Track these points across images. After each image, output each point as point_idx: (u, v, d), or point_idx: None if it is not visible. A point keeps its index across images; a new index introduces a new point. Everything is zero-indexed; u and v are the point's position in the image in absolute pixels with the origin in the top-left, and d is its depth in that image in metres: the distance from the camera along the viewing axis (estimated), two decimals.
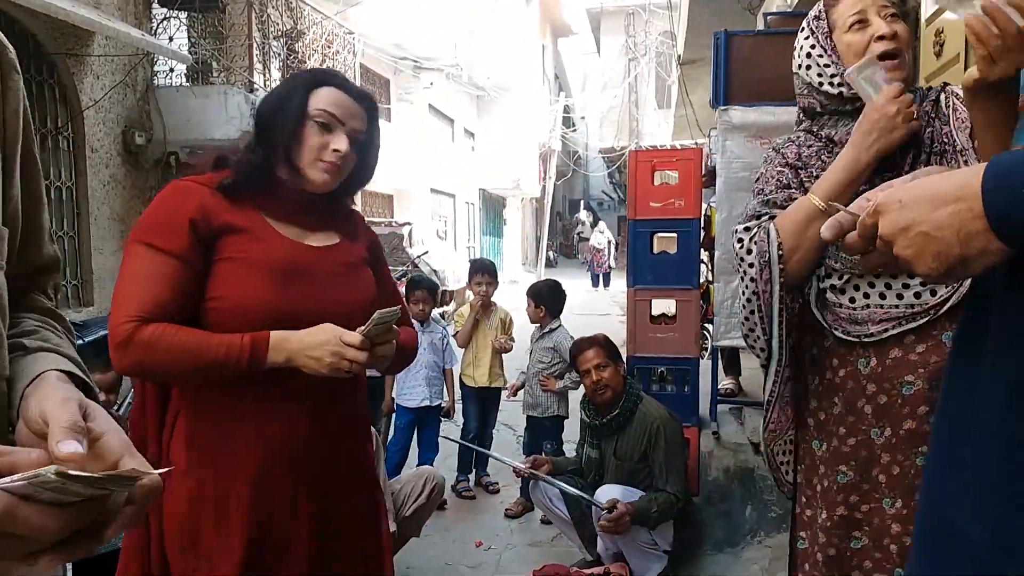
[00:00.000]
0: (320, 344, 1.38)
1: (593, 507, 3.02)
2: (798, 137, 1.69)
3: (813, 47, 1.63)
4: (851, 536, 1.56)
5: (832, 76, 1.59)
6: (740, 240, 1.62)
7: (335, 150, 1.48)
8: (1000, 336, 0.79)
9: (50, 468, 0.56)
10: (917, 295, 1.48)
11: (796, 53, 1.68)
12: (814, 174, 1.60)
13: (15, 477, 0.57)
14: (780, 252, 1.53)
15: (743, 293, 1.62)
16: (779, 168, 1.66)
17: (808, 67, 1.64)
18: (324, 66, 9.19)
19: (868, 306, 1.53)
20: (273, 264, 1.43)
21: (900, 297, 1.50)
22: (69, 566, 2.08)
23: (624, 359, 3.53)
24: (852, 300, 1.55)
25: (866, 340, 1.52)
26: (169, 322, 1.36)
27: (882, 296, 1.52)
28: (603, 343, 3.30)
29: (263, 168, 1.49)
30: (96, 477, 0.58)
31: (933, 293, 1.46)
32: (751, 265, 1.58)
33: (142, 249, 1.39)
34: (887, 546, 1.50)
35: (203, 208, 1.42)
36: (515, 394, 4.30)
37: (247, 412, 1.44)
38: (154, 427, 1.49)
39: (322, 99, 1.49)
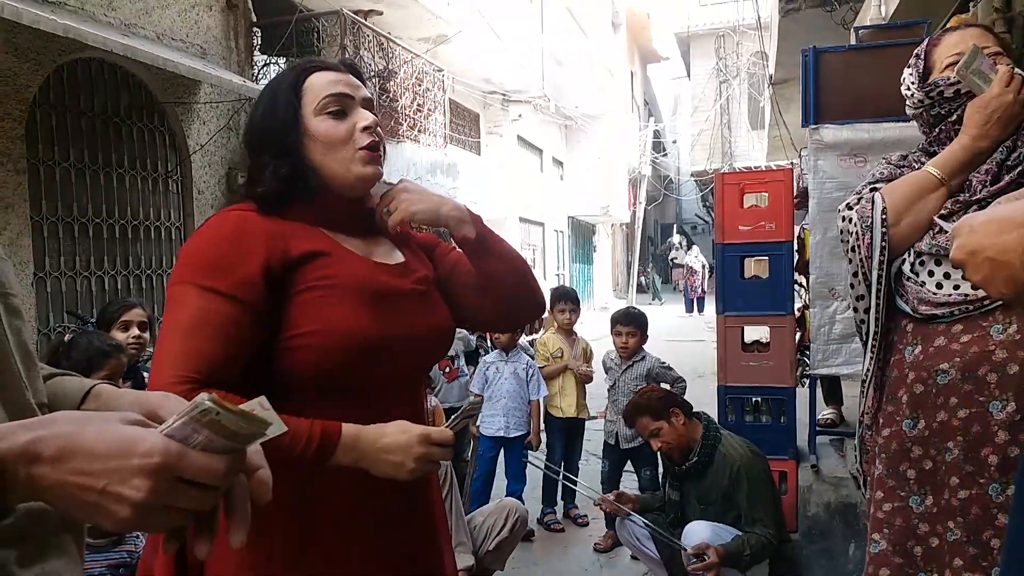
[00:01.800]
0: (401, 448, 1.16)
1: (683, 552, 2.91)
2: (914, 154, 1.67)
3: (909, 88, 1.64)
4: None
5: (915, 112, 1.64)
6: (844, 217, 1.61)
7: (365, 127, 1.28)
8: None
9: (203, 396, 0.58)
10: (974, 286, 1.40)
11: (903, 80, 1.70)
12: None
13: (172, 420, 0.60)
14: (884, 216, 1.52)
15: (848, 268, 1.63)
16: (886, 168, 1.65)
17: (907, 100, 1.67)
18: (415, 104, 9.45)
19: (937, 286, 1.49)
20: (362, 288, 1.24)
21: (956, 287, 1.46)
22: None
23: (715, 389, 3.39)
24: (922, 283, 1.52)
25: (930, 319, 1.48)
26: (226, 386, 1.10)
27: (946, 276, 1.48)
28: (648, 407, 3.08)
29: (300, 175, 1.27)
30: (241, 409, 0.60)
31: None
32: (851, 233, 1.58)
33: (194, 293, 1.15)
34: (911, 549, 1.46)
35: (271, 237, 1.21)
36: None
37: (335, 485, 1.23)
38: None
39: (320, 87, 1.28)
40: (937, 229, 1.48)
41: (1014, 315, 1.32)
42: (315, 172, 1.28)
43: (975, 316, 1.39)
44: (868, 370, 1.62)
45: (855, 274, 1.60)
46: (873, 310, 1.57)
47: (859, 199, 1.59)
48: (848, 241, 1.59)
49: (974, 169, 1.47)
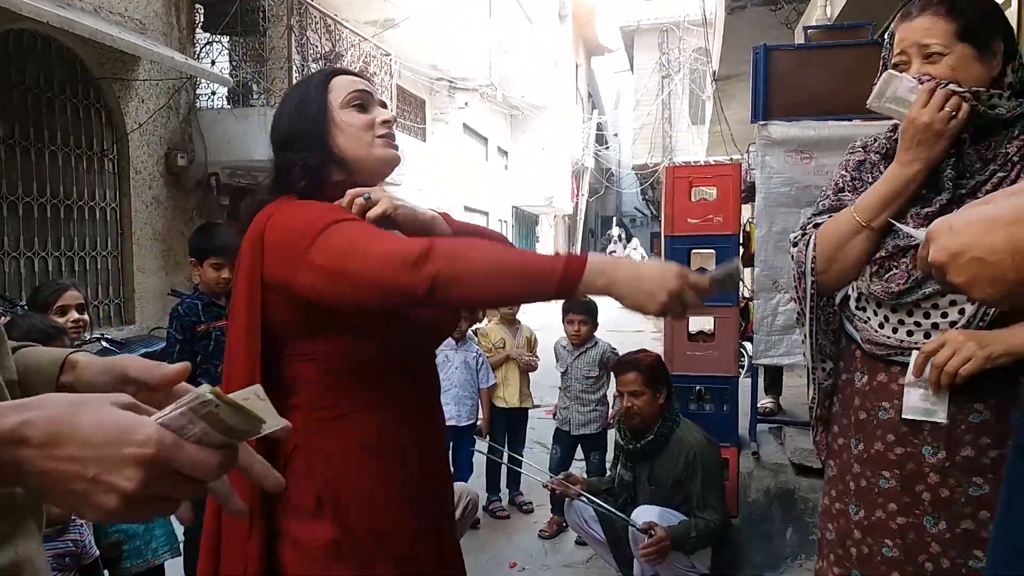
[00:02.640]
0: (656, 278, 1.14)
1: (630, 530, 2.97)
2: (874, 153, 1.63)
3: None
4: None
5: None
6: (791, 253, 1.63)
7: (384, 121, 1.43)
8: None
9: (204, 388, 0.57)
10: (910, 332, 1.45)
11: None
12: (870, 180, 1.56)
13: (170, 409, 0.59)
14: (813, 265, 1.53)
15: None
16: (844, 171, 1.62)
17: None
18: None
19: (879, 325, 1.51)
20: None
21: (895, 331, 1.47)
22: None
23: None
24: (866, 320, 1.53)
25: (868, 353, 1.52)
26: None
27: (890, 320, 1.49)
28: (646, 368, 3.09)
29: (326, 166, 1.39)
30: (239, 404, 0.59)
31: (927, 336, 1.43)
32: (791, 274, 1.60)
33: (349, 223, 1.26)
34: (848, 548, 1.53)
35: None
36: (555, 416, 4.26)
37: (385, 435, 1.35)
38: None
39: (345, 85, 1.43)
40: (873, 270, 1.48)
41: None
42: (340, 159, 1.40)
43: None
44: (813, 399, 1.69)
45: (799, 312, 1.63)
46: (808, 349, 1.61)
47: (803, 234, 1.59)
48: (791, 278, 1.62)
49: (909, 194, 1.43)
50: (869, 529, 1.52)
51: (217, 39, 7.76)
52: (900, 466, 1.46)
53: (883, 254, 1.47)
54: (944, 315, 1.41)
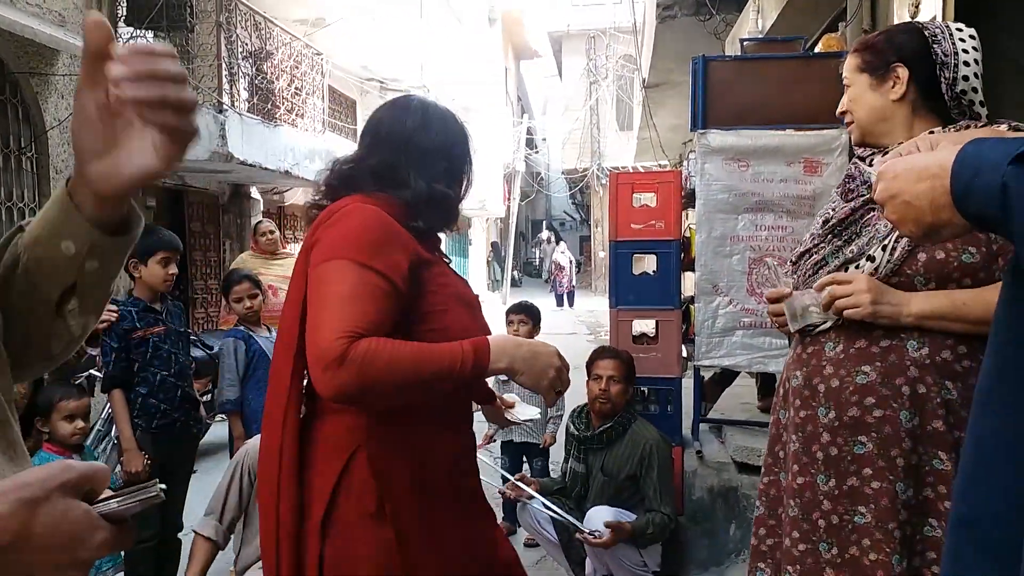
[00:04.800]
0: (547, 354, 1.38)
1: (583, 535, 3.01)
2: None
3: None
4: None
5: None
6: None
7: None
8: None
9: (155, 486, 0.62)
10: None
11: None
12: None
13: (123, 497, 0.61)
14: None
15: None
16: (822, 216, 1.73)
17: None
18: (293, 87, 9.17)
19: None
20: (463, 297, 1.52)
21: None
22: None
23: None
24: None
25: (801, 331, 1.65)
26: None
27: None
28: (627, 361, 3.31)
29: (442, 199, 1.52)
30: (157, 490, 0.62)
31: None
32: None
33: (353, 268, 1.32)
34: (815, 520, 1.59)
35: (408, 238, 1.41)
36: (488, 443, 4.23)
37: (438, 441, 1.44)
38: (291, 470, 1.37)
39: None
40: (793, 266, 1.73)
41: (842, 336, 1.54)
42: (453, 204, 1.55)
43: (818, 335, 1.59)
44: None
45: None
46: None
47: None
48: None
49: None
50: (789, 492, 1.63)
51: (141, 34, 7.46)
52: (802, 428, 1.60)
53: (801, 250, 1.69)
54: None
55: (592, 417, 3.29)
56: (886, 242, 1.50)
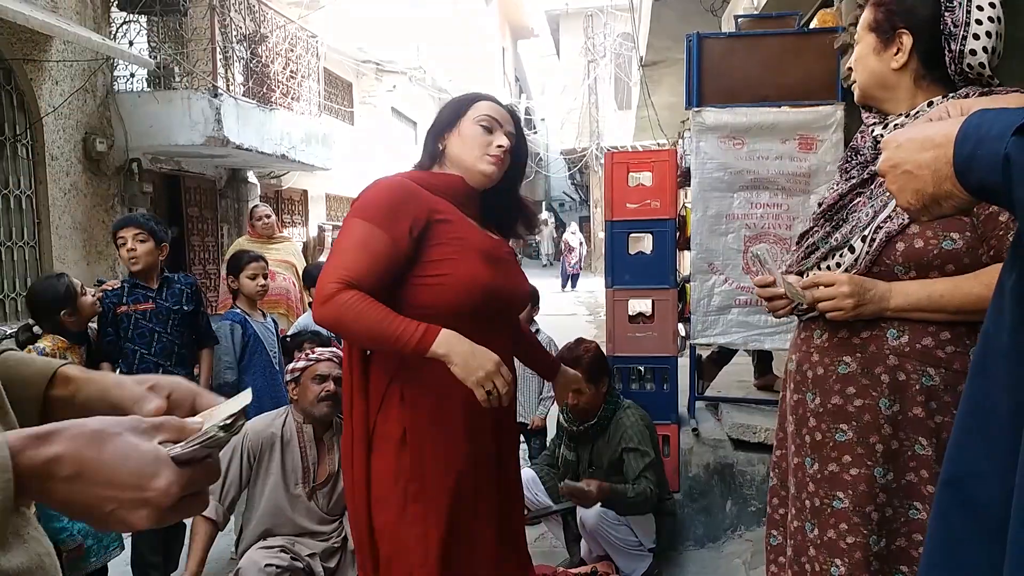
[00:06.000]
0: (485, 357, 1.60)
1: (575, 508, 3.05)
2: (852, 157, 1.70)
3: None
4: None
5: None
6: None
7: (499, 146, 1.81)
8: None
9: (213, 426, 0.64)
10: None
11: None
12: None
13: (185, 444, 0.64)
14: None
15: None
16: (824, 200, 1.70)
17: None
18: (288, 70, 9.12)
19: None
20: (479, 248, 1.75)
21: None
22: None
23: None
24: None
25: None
26: (367, 293, 1.61)
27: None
28: (587, 365, 3.03)
29: (435, 159, 1.86)
30: (234, 420, 0.66)
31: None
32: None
33: (361, 224, 1.66)
34: (804, 500, 1.62)
35: (424, 200, 1.71)
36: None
37: (458, 381, 1.66)
38: (361, 399, 1.75)
39: (483, 107, 1.84)
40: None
41: (827, 326, 1.56)
42: (444, 158, 1.85)
43: (809, 321, 1.62)
44: None
45: None
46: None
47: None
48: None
49: None
50: (786, 471, 1.68)
51: (135, 19, 7.42)
52: (796, 411, 1.63)
53: (802, 230, 1.70)
54: (828, 267, 1.58)
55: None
56: (866, 232, 1.50)
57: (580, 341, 3.26)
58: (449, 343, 1.59)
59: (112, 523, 0.62)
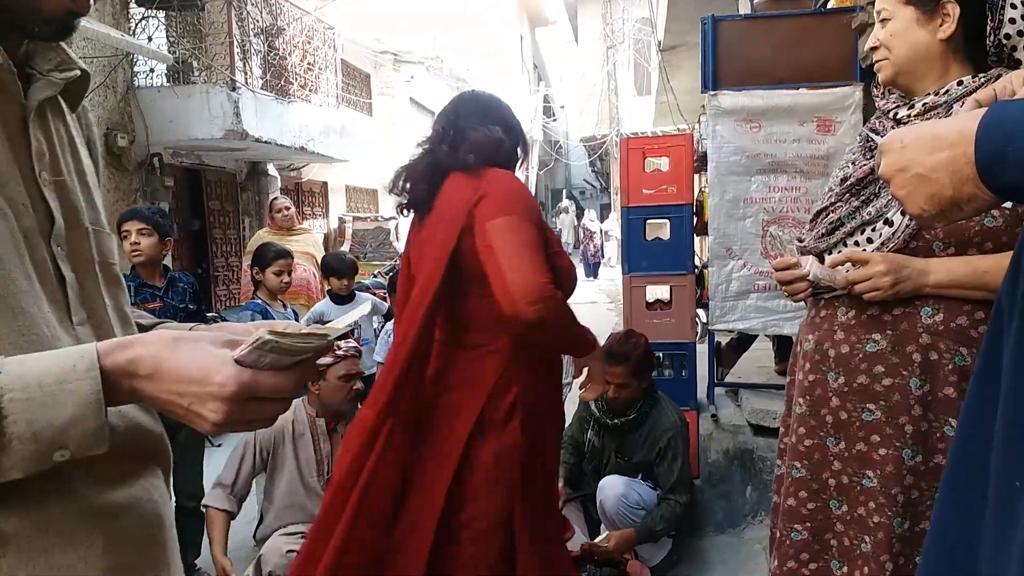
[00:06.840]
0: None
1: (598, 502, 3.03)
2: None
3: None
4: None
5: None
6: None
7: None
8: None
9: (263, 332, 0.69)
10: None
11: None
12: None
13: (242, 347, 0.70)
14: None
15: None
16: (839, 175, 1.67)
17: None
18: (305, 62, 9.16)
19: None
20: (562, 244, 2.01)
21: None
22: None
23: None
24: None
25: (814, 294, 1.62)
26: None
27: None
28: (636, 361, 3.00)
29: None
30: (298, 333, 0.70)
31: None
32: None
33: (529, 226, 1.74)
34: (826, 480, 1.60)
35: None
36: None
37: (547, 374, 1.93)
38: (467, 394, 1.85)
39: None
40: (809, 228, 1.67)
41: (855, 302, 1.51)
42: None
43: (831, 299, 1.57)
44: None
45: None
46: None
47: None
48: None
49: None
50: (793, 454, 1.64)
51: (153, 14, 7.48)
52: (810, 392, 1.60)
53: (818, 207, 1.65)
54: (856, 243, 1.53)
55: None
56: None
57: (631, 334, 3.19)
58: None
59: (192, 417, 0.70)
